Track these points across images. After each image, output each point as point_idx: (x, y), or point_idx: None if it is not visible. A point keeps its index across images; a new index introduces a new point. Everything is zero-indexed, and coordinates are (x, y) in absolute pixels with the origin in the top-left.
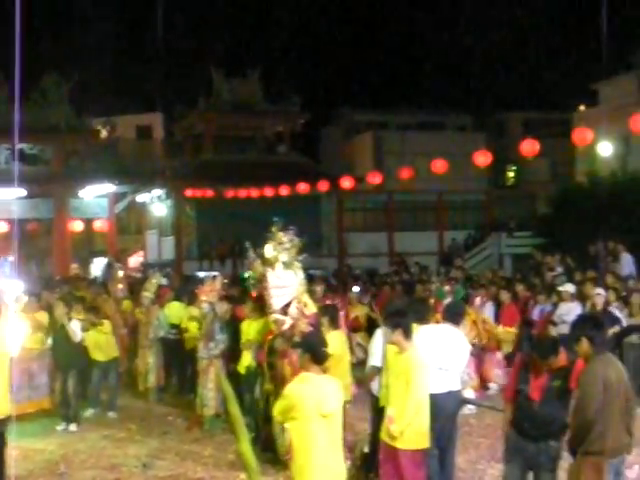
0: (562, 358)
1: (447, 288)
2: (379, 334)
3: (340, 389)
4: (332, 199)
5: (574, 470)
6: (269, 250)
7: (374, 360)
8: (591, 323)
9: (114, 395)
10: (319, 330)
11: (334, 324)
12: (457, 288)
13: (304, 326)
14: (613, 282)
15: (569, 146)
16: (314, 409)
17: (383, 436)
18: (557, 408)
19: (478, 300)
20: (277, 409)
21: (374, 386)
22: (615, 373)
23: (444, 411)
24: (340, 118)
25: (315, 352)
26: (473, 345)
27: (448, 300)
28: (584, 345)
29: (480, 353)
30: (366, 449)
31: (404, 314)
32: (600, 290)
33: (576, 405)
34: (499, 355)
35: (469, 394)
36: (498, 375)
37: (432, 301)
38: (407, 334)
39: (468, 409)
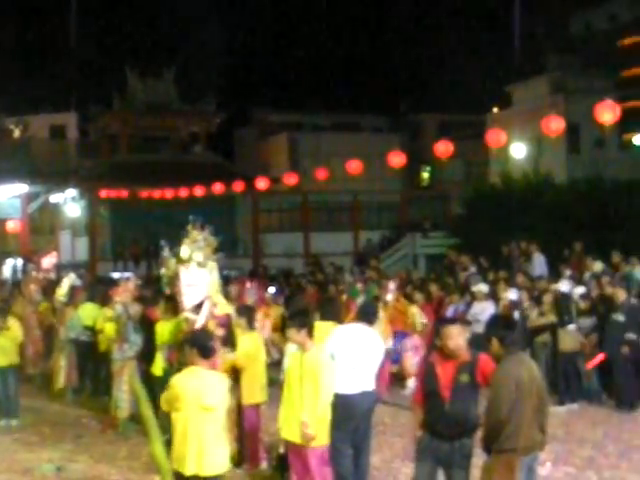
0: (464, 353)
1: (360, 286)
2: None
3: (225, 385)
4: (247, 200)
5: (487, 468)
6: (184, 249)
7: None
8: (502, 323)
9: (14, 401)
10: (230, 331)
11: (250, 325)
12: (370, 286)
13: (213, 327)
14: (525, 282)
15: (483, 148)
16: (195, 401)
17: (287, 435)
18: (468, 405)
19: (391, 285)
20: (163, 398)
21: None
22: (527, 372)
23: (358, 411)
24: (255, 119)
25: (202, 347)
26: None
27: (361, 299)
28: (495, 345)
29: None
30: (282, 450)
31: (308, 313)
32: (513, 290)
33: (489, 404)
34: (417, 340)
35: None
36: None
37: (345, 299)
38: (311, 334)
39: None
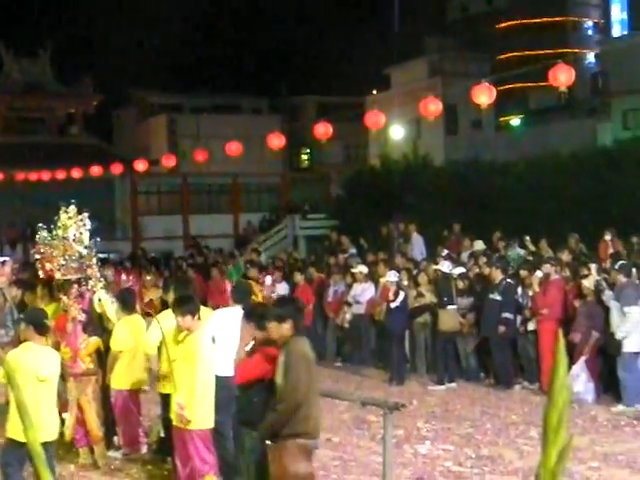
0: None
1: (230, 267)
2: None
3: (58, 359)
4: (126, 182)
5: (278, 454)
6: (61, 231)
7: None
8: (293, 305)
9: None
10: (93, 316)
11: (129, 308)
12: (237, 262)
13: (75, 312)
14: (404, 263)
15: (362, 130)
16: (30, 374)
17: (173, 418)
18: None
19: (269, 279)
20: (1, 374)
21: None
22: (311, 354)
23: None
24: (134, 100)
25: (37, 324)
26: None
27: (236, 277)
28: (286, 326)
29: None
30: (162, 433)
31: (192, 299)
32: (392, 272)
33: (287, 387)
34: None
35: None
36: None
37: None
38: (197, 319)
39: None
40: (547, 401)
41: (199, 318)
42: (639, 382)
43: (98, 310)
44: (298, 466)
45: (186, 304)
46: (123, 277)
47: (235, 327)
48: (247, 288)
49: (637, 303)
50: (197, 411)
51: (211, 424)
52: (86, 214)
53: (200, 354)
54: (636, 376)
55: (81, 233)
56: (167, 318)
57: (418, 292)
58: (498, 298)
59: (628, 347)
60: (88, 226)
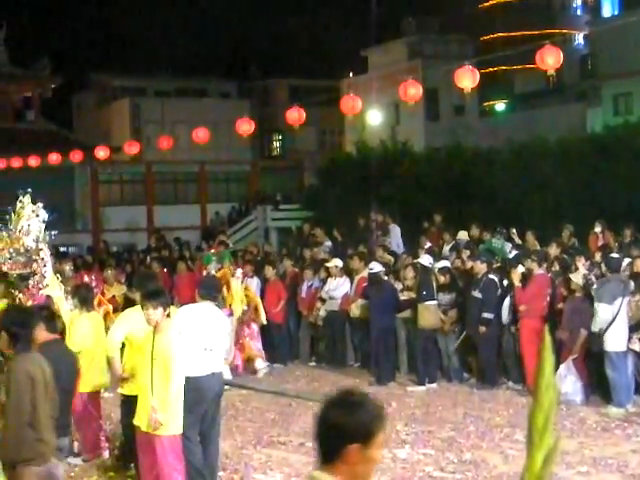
0: None
1: (213, 252)
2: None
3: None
4: (86, 170)
5: None
6: (16, 223)
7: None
8: (16, 318)
9: None
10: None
11: (86, 306)
12: (223, 252)
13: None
14: (381, 256)
15: (337, 115)
16: None
17: (137, 422)
18: None
19: (239, 273)
20: None
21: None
22: (41, 371)
23: (208, 394)
24: (95, 83)
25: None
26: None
27: (213, 264)
28: (4, 340)
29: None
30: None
31: (164, 293)
32: (375, 264)
33: (7, 408)
34: (255, 327)
35: (227, 373)
36: (259, 349)
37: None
38: (167, 313)
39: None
40: (532, 402)
41: (169, 315)
42: (629, 382)
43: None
44: None
45: (158, 296)
46: (85, 278)
47: (203, 324)
48: (215, 283)
49: (612, 301)
50: (170, 415)
51: (181, 429)
52: (40, 204)
53: (174, 354)
54: (625, 375)
55: (29, 225)
56: (131, 315)
57: (405, 286)
58: (479, 295)
59: (615, 346)
60: (42, 217)
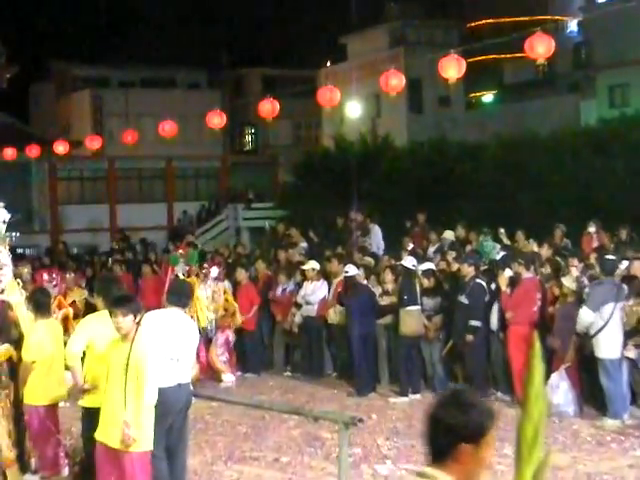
0: None
1: (181, 252)
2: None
3: None
4: (44, 166)
5: None
6: None
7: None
8: None
9: None
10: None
11: (42, 311)
12: (191, 252)
13: None
14: (361, 258)
15: (314, 107)
16: None
17: (102, 437)
18: None
19: (215, 271)
20: None
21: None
22: None
23: (175, 406)
24: (54, 73)
25: None
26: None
27: (181, 266)
28: None
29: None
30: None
31: (134, 299)
32: (351, 267)
33: None
34: (230, 335)
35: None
36: (224, 361)
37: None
38: (137, 321)
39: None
40: (521, 413)
41: (139, 322)
42: (624, 391)
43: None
44: None
45: (128, 302)
46: (45, 276)
47: (171, 332)
48: (185, 288)
49: (598, 306)
50: (143, 430)
51: (150, 445)
52: (1, 203)
53: (146, 365)
54: (620, 385)
55: None
56: (93, 322)
57: (384, 290)
58: (466, 301)
59: (609, 353)
60: (3, 217)
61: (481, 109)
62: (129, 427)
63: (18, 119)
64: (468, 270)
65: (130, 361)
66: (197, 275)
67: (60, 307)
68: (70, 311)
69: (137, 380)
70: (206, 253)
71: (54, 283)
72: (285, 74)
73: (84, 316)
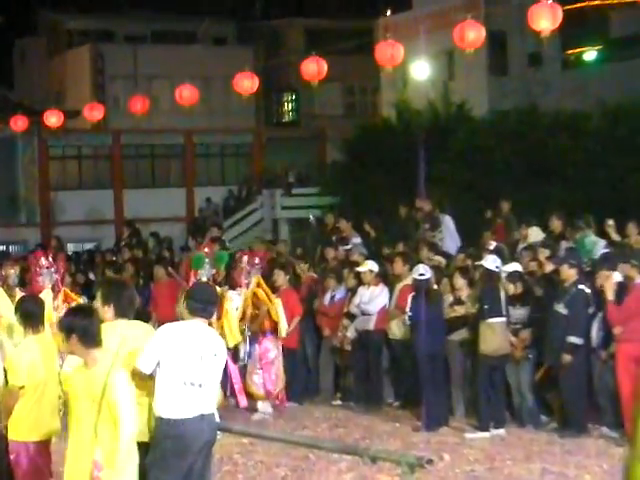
0: None
1: (206, 251)
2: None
3: None
4: (33, 142)
5: None
6: None
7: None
8: None
9: None
10: None
11: (33, 325)
12: (219, 253)
13: None
14: (429, 257)
15: (371, 67)
16: None
17: None
18: None
19: (245, 261)
20: None
21: None
22: None
23: (195, 443)
24: (45, 25)
25: None
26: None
27: (207, 269)
28: None
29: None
30: None
31: (85, 312)
32: (422, 268)
33: None
34: (270, 346)
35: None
36: (259, 384)
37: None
38: (90, 341)
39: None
40: (628, 453)
41: (96, 342)
42: None
43: None
44: None
45: (72, 318)
46: (42, 261)
47: (191, 350)
48: (211, 293)
49: None
50: (118, 473)
51: None
52: None
53: (123, 397)
54: None
55: None
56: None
57: (455, 298)
58: (564, 311)
59: None
60: None
61: (581, 69)
62: (100, 468)
63: (0, 84)
64: (569, 273)
65: (94, 391)
66: (227, 282)
67: (67, 301)
68: (82, 302)
69: (110, 411)
70: (234, 254)
71: (53, 270)
72: (333, 26)
73: None
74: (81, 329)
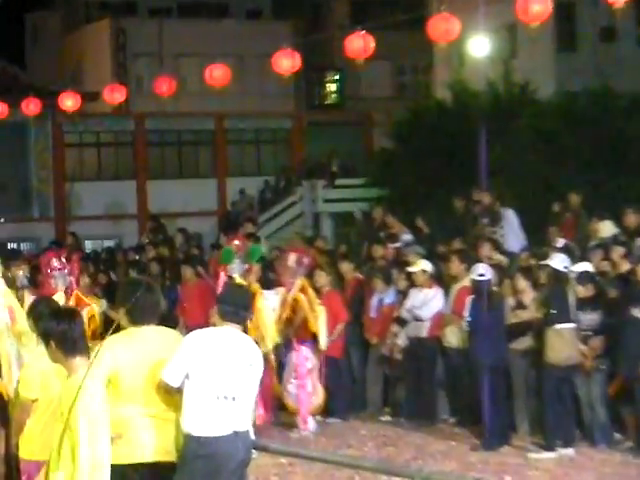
0: None
1: (236, 244)
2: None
3: None
4: (46, 128)
5: None
6: None
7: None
8: None
9: None
10: None
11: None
12: (253, 247)
13: None
14: (489, 256)
15: (423, 44)
16: None
17: None
18: None
19: (292, 259)
20: None
21: None
22: None
23: (228, 463)
24: None
25: None
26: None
27: (237, 264)
28: None
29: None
30: None
31: (65, 315)
32: (482, 268)
33: None
34: (308, 355)
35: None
36: (293, 395)
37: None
38: (69, 348)
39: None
40: None
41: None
42: None
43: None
44: None
45: (48, 322)
46: (54, 262)
47: (222, 360)
48: (243, 296)
49: None
50: None
51: None
52: None
53: (92, 412)
54: None
55: None
56: (118, 346)
57: (518, 302)
58: None
59: None
60: None
61: None
62: None
63: (10, 63)
64: None
65: (64, 402)
66: (264, 283)
67: (79, 305)
68: (95, 309)
69: (72, 432)
70: (271, 250)
71: (66, 271)
72: None
73: (102, 337)
74: (59, 334)
